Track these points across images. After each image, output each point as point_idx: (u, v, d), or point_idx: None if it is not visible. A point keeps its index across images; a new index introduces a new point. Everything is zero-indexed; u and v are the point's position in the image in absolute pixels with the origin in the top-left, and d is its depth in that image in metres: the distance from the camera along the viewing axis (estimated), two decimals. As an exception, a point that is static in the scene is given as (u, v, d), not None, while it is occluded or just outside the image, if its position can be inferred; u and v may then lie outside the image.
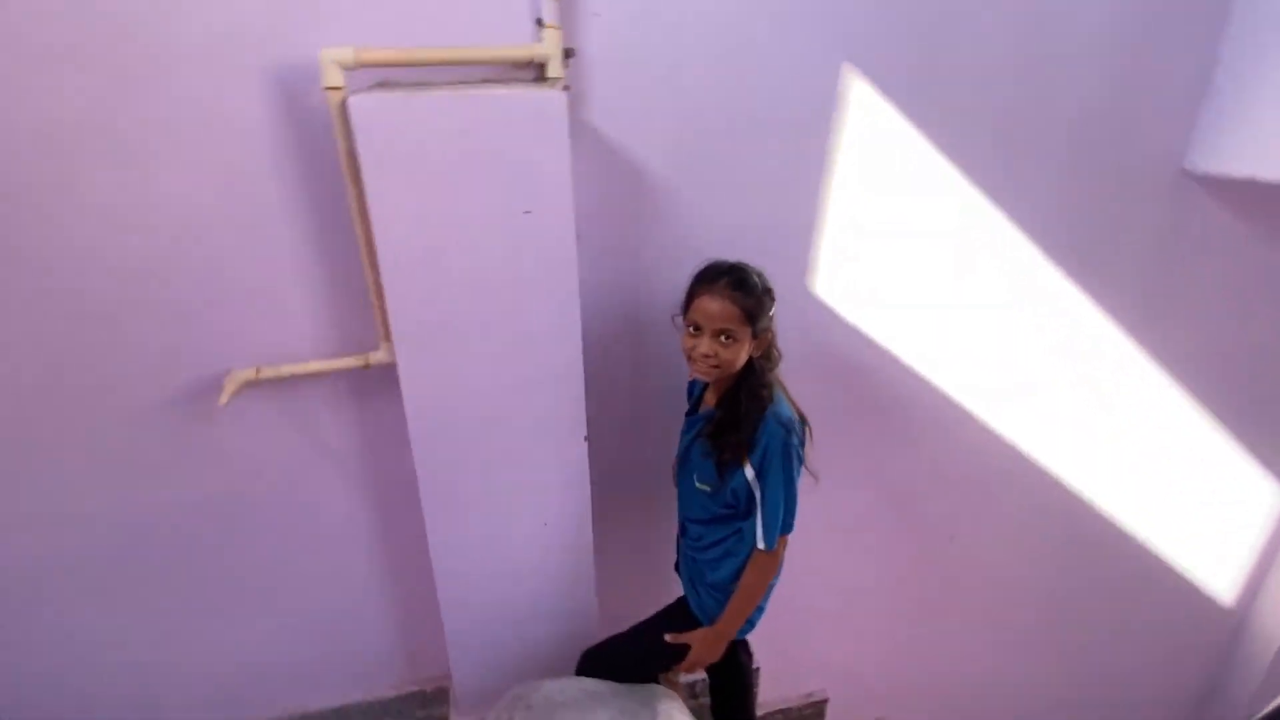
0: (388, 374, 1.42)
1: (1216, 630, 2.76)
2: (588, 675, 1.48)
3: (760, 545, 1.27)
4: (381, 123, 1.14)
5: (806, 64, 1.41)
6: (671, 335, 1.56)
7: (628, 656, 1.48)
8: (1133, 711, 2.91)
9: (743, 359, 1.25)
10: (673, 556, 1.73)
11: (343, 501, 1.55)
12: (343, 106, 1.14)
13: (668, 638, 1.43)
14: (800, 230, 1.56)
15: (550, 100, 1.19)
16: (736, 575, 1.37)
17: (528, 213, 1.25)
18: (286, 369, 1.33)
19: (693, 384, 1.51)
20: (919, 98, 1.50)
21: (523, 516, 1.52)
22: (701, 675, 1.86)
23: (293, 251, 1.29)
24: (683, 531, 1.50)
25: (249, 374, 1.30)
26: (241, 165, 1.21)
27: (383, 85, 1.20)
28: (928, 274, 1.70)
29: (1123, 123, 1.66)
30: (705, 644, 1.40)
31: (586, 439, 1.48)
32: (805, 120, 1.46)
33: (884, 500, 1.99)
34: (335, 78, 1.12)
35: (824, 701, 2.27)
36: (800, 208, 1.54)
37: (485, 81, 1.25)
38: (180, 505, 1.45)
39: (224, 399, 1.23)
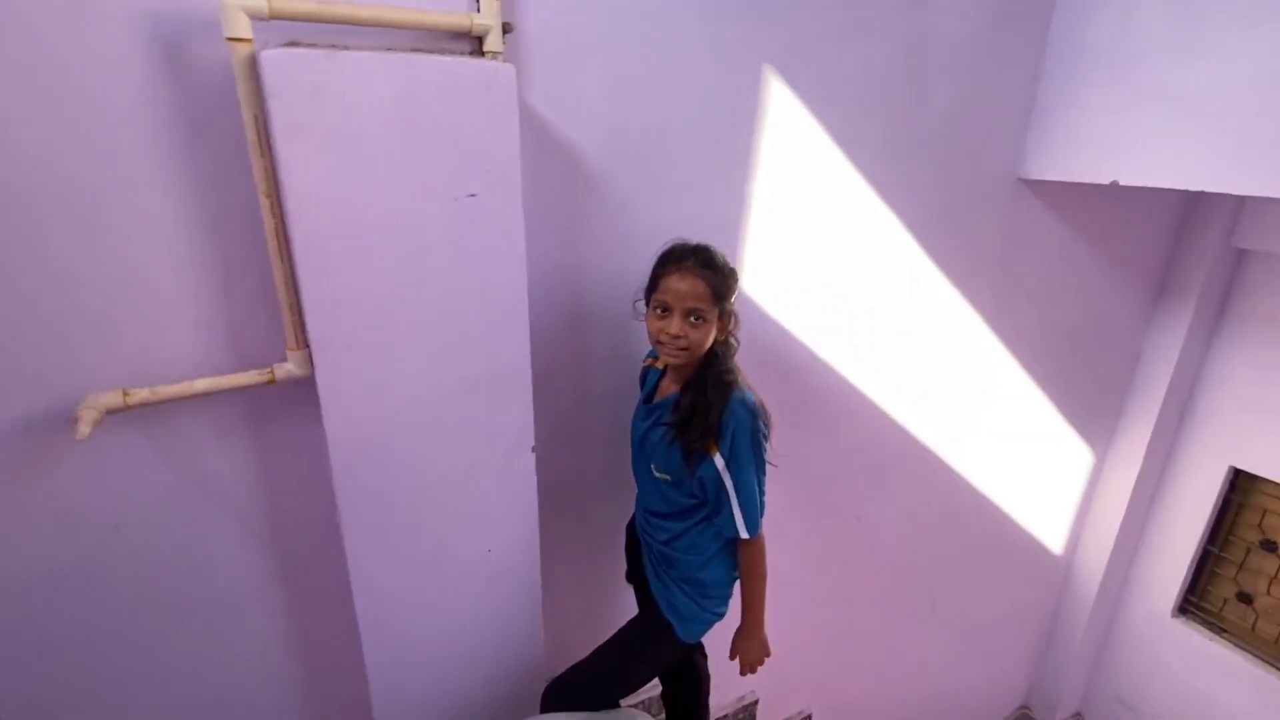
0: (295, 391, 1.20)
1: (1051, 578, 3.21)
2: (556, 710, 1.33)
3: (743, 535, 1.24)
4: (302, 83, 0.96)
5: (731, 62, 1.44)
6: (611, 330, 1.50)
7: (601, 681, 1.36)
8: (993, 660, 3.28)
9: (709, 341, 1.22)
10: (620, 569, 1.64)
11: (234, 557, 1.26)
12: (251, 63, 0.95)
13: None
14: (729, 227, 1.58)
15: (500, 72, 1.09)
16: (705, 565, 1.32)
17: (472, 196, 1.13)
18: (165, 390, 1.05)
19: (646, 371, 1.45)
20: (825, 101, 1.59)
21: (463, 545, 1.34)
22: (656, 689, 1.77)
23: (171, 240, 1.04)
24: (642, 529, 1.42)
25: (113, 398, 1.01)
26: (104, 132, 0.95)
27: (291, 45, 1.02)
28: (834, 271, 1.80)
29: (972, 141, 1.91)
30: (750, 647, 1.38)
31: (533, 449, 1.36)
32: (731, 118, 1.49)
33: (802, 488, 2.05)
34: (241, 28, 0.93)
35: (754, 704, 2.27)
36: (728, 204, 1.56)
37: (415, 51, 1.12)
38: (7, 586, 1.08)
39: (84, 431, 0.94)
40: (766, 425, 1.29)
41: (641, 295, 1.28)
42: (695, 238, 1.44)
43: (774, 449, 1.34)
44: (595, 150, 1.35)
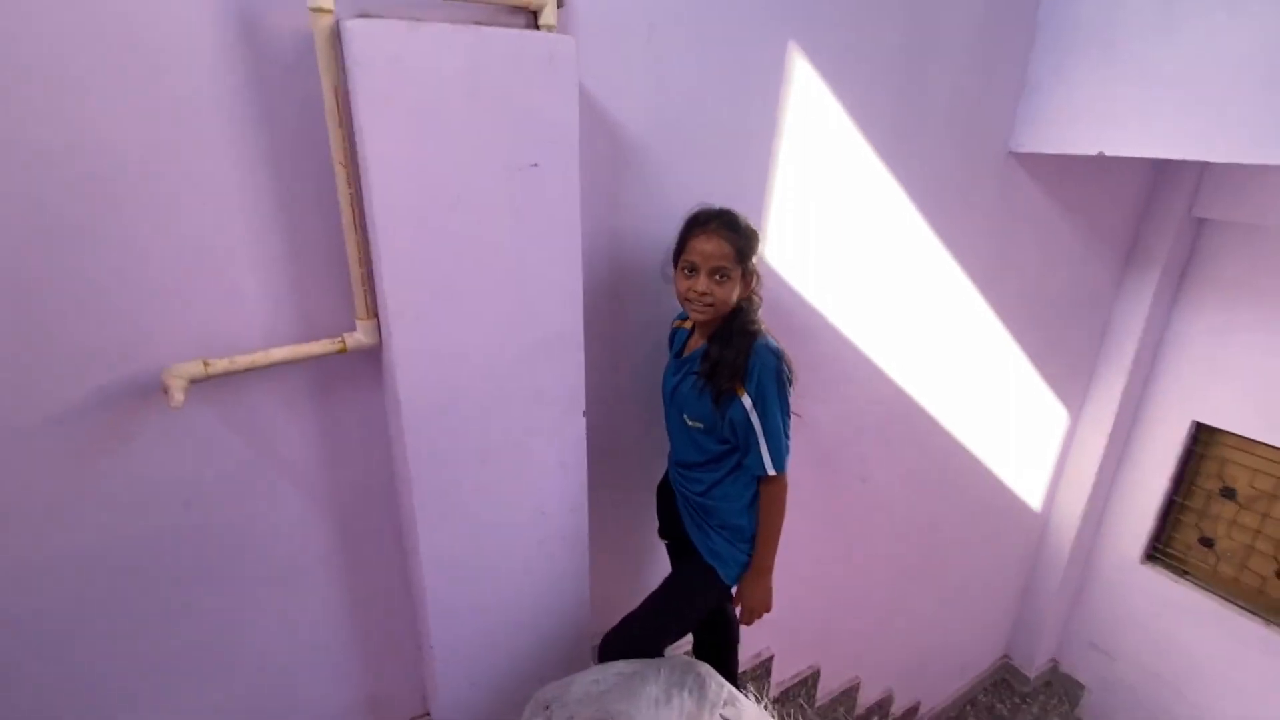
0: (359, 361, 1.23)
1: (1030, 535, 3.41)
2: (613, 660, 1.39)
3: (770, 471, 1.32)
4: (383, 54, 0.99)
5: (759, 39, 1.50)
6: (646, 296, 1.56)
7: (653, 629, 1.43)
8: (979, 614, 3.47)
9: (734, 298, 1.30)
10: (653, 527, 1.71)
11: (298, 528, 1.28)
12: (333, 32, 0.97)
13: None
14: (754, 198, 1.65)
15: (561, 45, 1.13)
16: (742, 511, 1.40)
17: (534, 165, 1.17)
18: (243, 360, 1.07)
19: (675, 332, 1.52)
20: (841, 77, 1.67)
21: (520, 507, 1.39)
22: (685, 644, 1.85)
23: (244, 211, 1.05)
24: (678, 483, 1.51)
25: (194, 368, 1.03)
26: (183, 100, 0.96)
27: (364, 16, 1.04)
28: (844, 240, 1.89)
29: (969, 115, 2.02)
30: (754, 590, 1.43)
31: (584, 413, 1.41)
32: (758, 94, 1.55)
33: (814, 451, 2.15)
34: (324, -2, 0.95)
35: (770, 659, 2.37)
36: (754, 178, 1.63)
37: (475, 24, 1.15)
38: (71, 561, 1.08)
39: (179, 398, 0.95)
40: (789, 369, 1.37)
41: (669, 260, 1.35)
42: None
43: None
44: (635, 124, 1.40)
